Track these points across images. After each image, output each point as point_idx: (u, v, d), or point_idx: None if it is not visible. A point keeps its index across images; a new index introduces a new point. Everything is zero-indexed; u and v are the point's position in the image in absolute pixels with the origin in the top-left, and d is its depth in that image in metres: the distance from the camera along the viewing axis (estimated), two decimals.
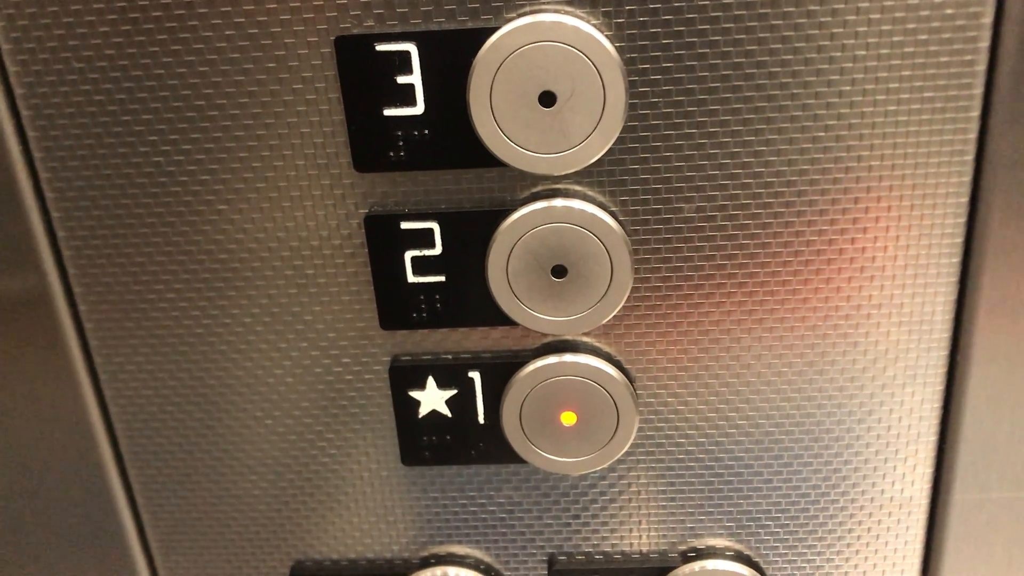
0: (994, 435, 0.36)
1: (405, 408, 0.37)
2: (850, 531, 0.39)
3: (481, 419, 0.37)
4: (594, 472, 0.38)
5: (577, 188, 0.33)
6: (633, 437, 0.36)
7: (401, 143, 0.32)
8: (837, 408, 0.36)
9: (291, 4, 0.31)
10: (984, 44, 0.30)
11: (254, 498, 0.40)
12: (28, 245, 0.35)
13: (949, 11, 0.30)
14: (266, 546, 0.41)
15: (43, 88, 0.32)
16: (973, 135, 0.32)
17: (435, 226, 0.34)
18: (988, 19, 0.30)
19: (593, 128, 0.31)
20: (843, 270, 0.34)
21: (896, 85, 0.31)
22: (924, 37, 0.30)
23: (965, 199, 0.33)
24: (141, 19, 0.31)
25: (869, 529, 0.39)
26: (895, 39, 0.30)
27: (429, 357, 0.36)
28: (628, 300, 0.34)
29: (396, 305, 0.35)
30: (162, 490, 0.40)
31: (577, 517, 0.39)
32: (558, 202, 0.33)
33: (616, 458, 0.37)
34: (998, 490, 0.37)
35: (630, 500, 0.39)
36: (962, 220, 0.33)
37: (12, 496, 0.40)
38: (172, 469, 0.40)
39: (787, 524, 0.39)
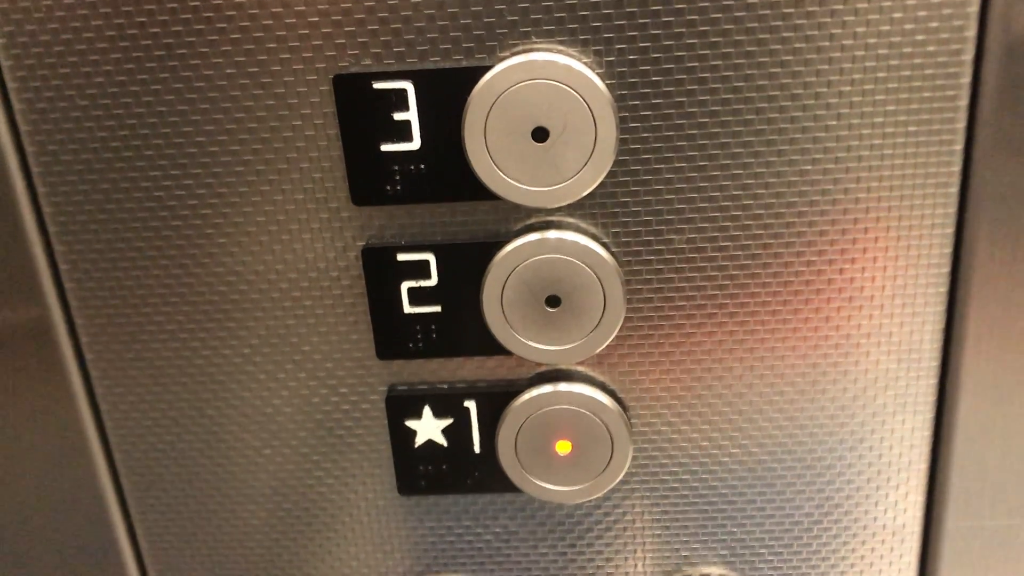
0: (985, 462, 0.37)
1: (401, 437, 0.37)
2: (844, 559, 0.39)
3: (477, 448, 0.37)
4: (589, 501, 0.38)
5: (570, 220, 0.34)
6: (628, 466, 0.37)
7: (398, 177, 0.33)
8: (829, 436, 0.37)
9: (291, 44, 0.31)
10: (966, 80, 0.31)
11: (252, 527, 0.40)
12: (31, 277, 0.36)
13: (931, 48, 0.31)
14: (263, 575, 0.41)
15: (47, 124, 0.33)
16: (957, 168, 0.32)
17: (431, 257, 0.34)
18: (969, 56, 0.31)
19: (585, 162, 0.32)
20: (832, 300, 0.35)
21: (881, 119, 0.32)
22: (907, 73, 0.31)
23: (951, 230, 0.33)
24: (144, 57, 0.32)
25: (863, 557, 0.39)
26: (879, 75, 0.31)
27: (425, 386, 0.37)
28: (621, 330, 0.35)
29: (392, 335, 0.35)
30: (161, 519, 0.41)
31: (573, 546, 0.39)
32: (551, 234, 0.33)
33: (611, 487, 0.37)
34: (990, 518, 0.38)
35: (625, 529, 0.39)
36: (948, 250, 0.34)
37: (13, 526, 0.41)
38: (171, 498, 0.40)
39: (781, 552, 0.39)
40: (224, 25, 0.31)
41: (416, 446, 0.37)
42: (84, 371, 0.38)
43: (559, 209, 0.34)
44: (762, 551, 0.39)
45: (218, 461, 0.39)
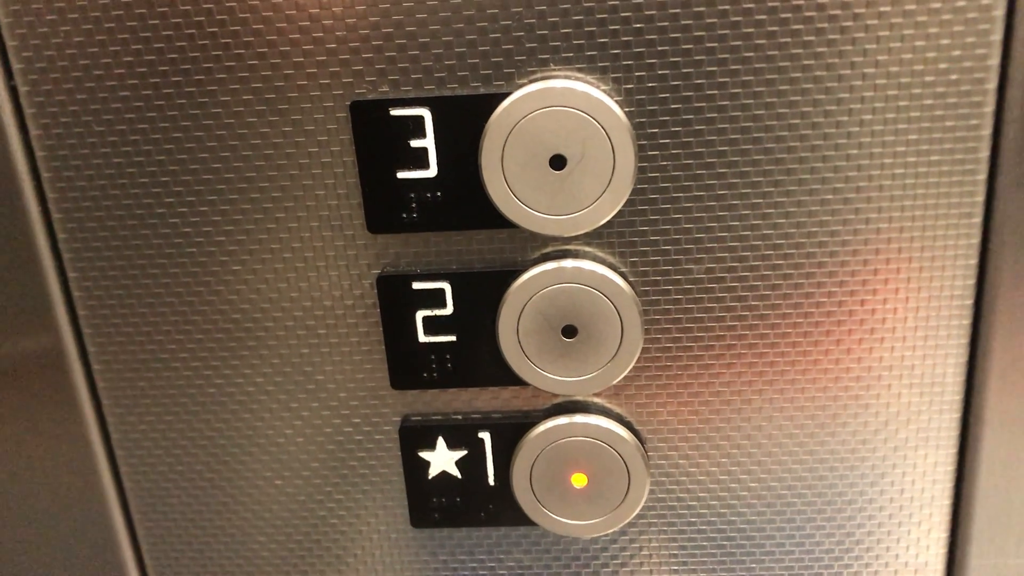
0: (1010, 499, 0.36)
1: (415, 469, 0.37)
2: None
3: (491, 480, 0.37)
4: (605, 535, 0.38)
5: (587, 249, 0.33)
6: (644, 499, 0.36)
7: (414, 205, 0.33)
8: (849, 471, 0.36)
9: (308, 70, 0.31)
10: (989, 109, 0.31)
11: (262, 559, 0.40)
12: (43, 304, 0.35)
13: (954, 77, 0.30)
14: None
15: (63, 150, 0.33)
16: (980, 197, 0.32)
17: (446, 286, 0.34)
18: (992, 84, 0.30)
19: (603, 190, 0.31)
20: (853, 331, 0.34)
21: (903, 148, 0.31)
22: (929, 102, 0.31)
23: (974, 260, 0.33)
24: (161, 83, 0.32)
25: None
26: (901, 104, 0.31)
27: (439, 417, 0.36)
28: (639, 361, 0.34)
29: (407, 365, 0.35)
30: (171, 550, 0.40)
31: None
32: (568, 263, 0.33)
33: (627, 521, 0.36)
34: (1015, 556, 0.37)
35: (641, 564, 0.38)
36: (971, 282, 0.33)
37: (22, 553, 0.40)
38: (182, 529, 0.39)
39: None
40: (241, 51, 0.31)
41: (430, 478, 0.37)
42: (96, 398, 0.37)
43: (576, 238, 0.33)
44: None
45: (229, 491, 0.38)
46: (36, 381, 0.37)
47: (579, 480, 0.36)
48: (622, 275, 0.33)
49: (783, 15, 0.30)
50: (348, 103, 0.32)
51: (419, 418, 0.36)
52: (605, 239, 0.33)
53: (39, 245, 0.35)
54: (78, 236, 0.34)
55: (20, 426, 0.37)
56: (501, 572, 0.39)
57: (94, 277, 0.35)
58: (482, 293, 0.34)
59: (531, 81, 0.31)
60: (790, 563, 0.38)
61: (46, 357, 0.36)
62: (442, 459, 0.36)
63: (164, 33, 0.31)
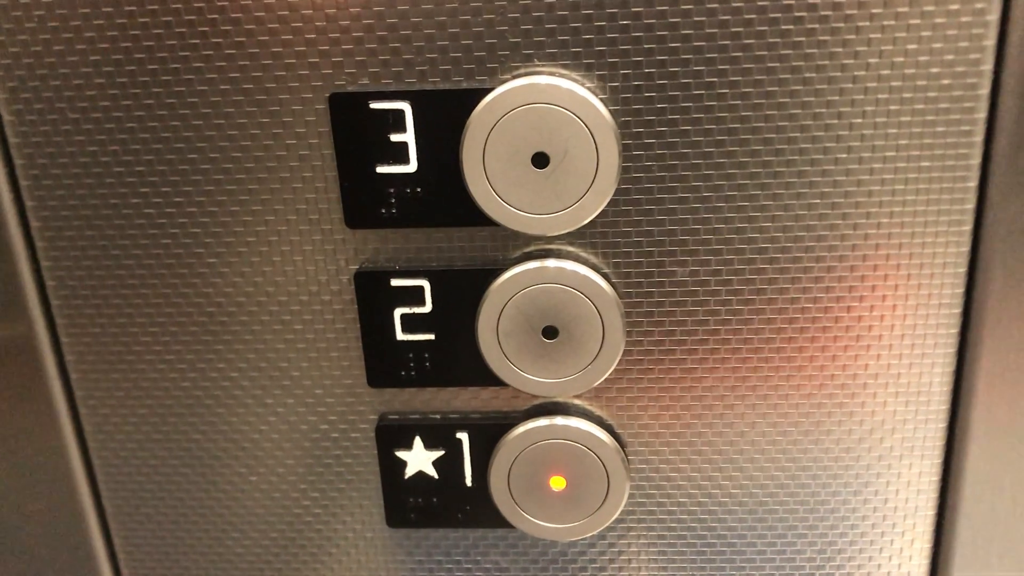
0: (995, 511, 0.35)
1: (391, 468, 0.36)
2: None
3: (468, 482, 0.36)
4: (583, 539, 0.37)
5: (570, 249, 0.33)
6: (624, 504, 0.36)
7: (393, 200, 0.32)
8: (833, 479, 0.36)
9: (287, 61, 0.31)
10: (981, 115, 0.30)
11: (237, 556, 0.39)
12: (15, 293, 0.35)
13: (946, 82, 0.30)
14: None
15: (37, 137, 0.32)
16: (971, 205, 0.31)
17: (425, 284, 0.33)
18: (985, 90, 0.30)
19: (586, 190, 0.31)
20: (839, 339, 0.33)
21: (893, 154, 0.31)
22: (921, 107, 0.30)
23: (963, 269, 0.32)
24: (137, 71, 0.31)
25: None
26: (892, 108, 0.30)
27: (416, 416, 0.36)
28: (620, 363, 0.34)
29: (384, 363, 0.34)
30: (144, 545, 0.39)
31: None
32: (550, 263, 0.32)
33: (606, 525, 0.36)
34: (999, 569, 0.36)
35: (620, 569, 0.38)
36: (960, 291, 0.33)
37: None
38: (155, 524, 0.39)
39: None
40: (219, 40, 0.31)
41: (406, 477, 0.36)
42: (69, 390, 0.37)
43: (559, 237, 0.33)
44: None
45: (203, 486, 0.38)
46: (7, 371, 0.36)
47: (558, 483, 0.35)
48: (604, 276, 0.33)
49: (772, 14, 0.29)
50: (327, 95, 0.31)
51: (396, 417, 0.36)
52: (588, 239, 0.33)
53: (11, 232, 0.34)
54: (52, 224, 0.34)
55: None
56: (478, 574, 0.38)
57: (68, 267, 0.34)
58: (462, 291, 0.33)
59: (514, 77, 0.30)
60: (770, 571, 0.37)
61: (17, 347, 0.36)
62: (419, 459, 0.36)
63: (141, 20, 0.30)
